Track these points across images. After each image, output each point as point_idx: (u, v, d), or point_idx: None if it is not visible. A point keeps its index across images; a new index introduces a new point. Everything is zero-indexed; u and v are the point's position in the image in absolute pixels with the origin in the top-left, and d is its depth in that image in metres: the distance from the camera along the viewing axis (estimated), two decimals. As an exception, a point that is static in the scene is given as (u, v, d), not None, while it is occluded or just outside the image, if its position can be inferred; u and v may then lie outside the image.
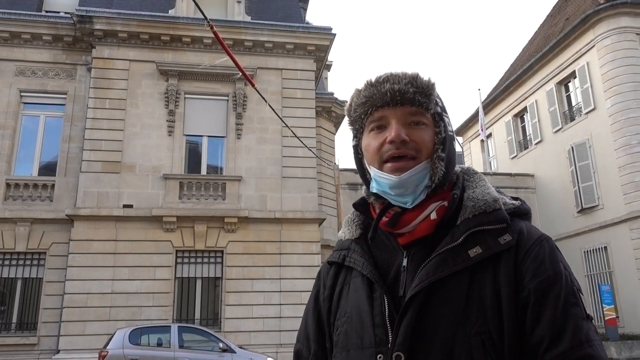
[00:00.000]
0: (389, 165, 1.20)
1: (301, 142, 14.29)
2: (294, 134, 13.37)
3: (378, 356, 1.13)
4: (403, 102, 1.21)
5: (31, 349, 14.57)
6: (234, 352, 11.20)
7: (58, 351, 14.26)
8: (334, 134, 21.24)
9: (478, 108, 26.17)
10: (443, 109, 1.27)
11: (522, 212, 1.25)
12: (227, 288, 15.38)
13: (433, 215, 1.21)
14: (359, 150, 1.30)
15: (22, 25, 16.65)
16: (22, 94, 16.67)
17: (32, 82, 16.75)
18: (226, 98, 17.10)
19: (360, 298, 1.21)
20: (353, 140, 1.32)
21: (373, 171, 1.24)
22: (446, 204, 1.23)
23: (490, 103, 27.46)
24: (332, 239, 18.40)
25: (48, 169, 16.49)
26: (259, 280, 15.49)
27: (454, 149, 1.29)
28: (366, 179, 1.29)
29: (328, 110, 20.52)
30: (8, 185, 15.70)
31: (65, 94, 16.87)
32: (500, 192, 1.29)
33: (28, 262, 15.42)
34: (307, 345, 1.34)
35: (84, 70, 17.05)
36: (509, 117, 26.48)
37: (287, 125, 13.23)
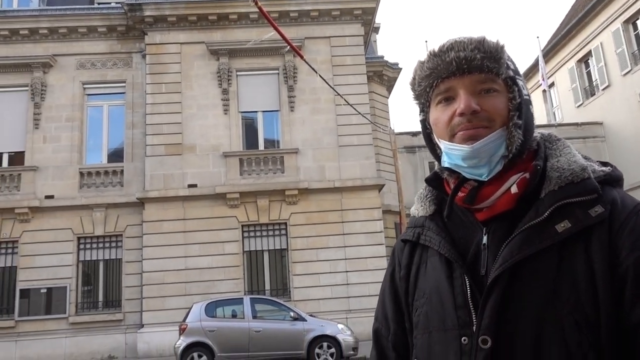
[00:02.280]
0: (460, 134, 1.13)
1: (354, 109, 14.19)
2: (346, 102, 13.28)
3: (462, 339, 1.08)
4: (470, 70, 1.13)
5: (118, 324, 15.63)
6: (305, 320, 11.55)
7: (142, 325, 15.23)
8: (387, 98, 20.93)
9: (538, 57, 24.90)
10: (516, 72, 1.18)
11: (613, 180, 1.14)
12: (294, 259, 15.77)
13: (514, 189, 1.13)
14: (426, 125, 1.23)
15: (77, 19, 17.29)
16: (85, 86, 17.44)
17: (92, 74, 17.46)
18: (277, 72, 17.17)
19: (439, 278, 1.16)
20: (420, 114, 1.25)
21: (443, 144, 1.17)
22: (528, 175, 1.14)
23: (550, 50, 26.07)
24: (393, 204, 18.36)
25: (116, 155, 17.31)
26: (324, 249, 15.76)
27: (532, 114, 1.19)
28: (436, 154, 1.23)
29: (379, 74, 20.19)
30: (82, 174, 16.63)
31: (124, 82, 17.50)
32: (588, 158, 1.19)
33: (107, 245, 16.41)
34: (385, 325, 1.31)
35: (139, 58, 17.57)
36: (572, 63, 25.07)
37: (339, 94, 13.15)
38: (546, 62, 25.23)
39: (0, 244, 16.13)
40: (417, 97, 1.23)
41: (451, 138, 1.15)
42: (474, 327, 1.07)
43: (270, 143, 17.18)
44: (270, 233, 16.18)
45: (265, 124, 17.22)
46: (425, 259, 1.22)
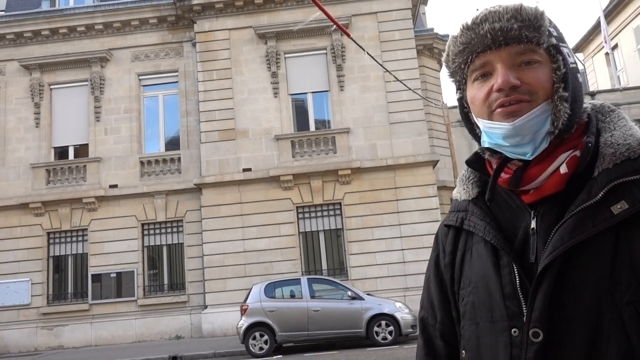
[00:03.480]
0: (499, 111, 1.04)
1: (405, 85, 13.93)
2: (396, 78, 13.04)
3: (512, 331, 1.02)
4: (507, 41, 1.04)
5: (183, 306, 16.30)
6: (362, 299, 11.61)
7: (206, 307, 15.80)
8: (439, 71, 20.40)
9: (599, 18, 23.52)
10: (559, 38, 1.08)
11: None
12: (349, 238, 15.83)
13: (563, 168, 1.05)
14: (464, 104, 1.15)
15: (130, 12, 17.79)
16: (140, 77, 18.00)
17: (147, 65, 17.98)
18: (325, 51, 17.07)
19: (485, 266, 1.08)
20: (456, 93, 1.18)
21: (482, 123, 1.09)
22: (578, 153, 1.05)
23: (612, 10, 24.53)
24: (448, 180, 18.02)
25: (173, 143, 17.84)
26: (379, 228, 15.72)
27: (580, 85, 1.09)
28: (476, 134, 1.15)
29: (429, 47, 19.69)
30: (142, 162, 17.28)
31: (177, 71, 17.93)
32: None
33: (169, 230, 17.05)
34: (432, 313, 1.25)
35: (189, 46, 17.93)
36: (637, 22, 23.49)
37: (388, 71, 12.92)
38: (608, 23, 23.81)
39: (71, 232, 17.08)
40: (452, 74, 1.16)
41: (490, 116, 1.06)
42: (525, 319, 1.01)
43: (321, 124, 17.18)
44: (325, 213, 16.29)
45: (315, 105, 17.22)
46: (470, 246, 1.15)
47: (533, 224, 1.06)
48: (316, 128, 16.96)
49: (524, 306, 1.01)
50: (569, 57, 1.08)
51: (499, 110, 1.04)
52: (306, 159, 16.31)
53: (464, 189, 1.21)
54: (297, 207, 16.16)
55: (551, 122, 1.04)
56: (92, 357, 13.02)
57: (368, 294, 12.39)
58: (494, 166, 1.12)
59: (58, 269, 17.14)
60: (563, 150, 1.06)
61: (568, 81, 1.05)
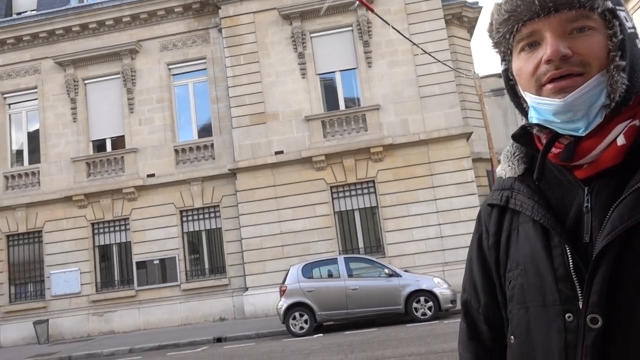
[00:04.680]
0: (549, 87, 0.96)
1: (434, 57, 13.64)
2: (424, 51, 12.79)
3: (566, 316, 0.95)
4: (557, 7, 0.95)
5: (224, 289, 16.68)
6: (400, 276, 11.60)
7: (247, 289, 16.13)
8: (469, 40, 19.86)
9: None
10: (616, 1, 0.98)
11: None
12: (384, 215, 15.79)
13: (620, 140, 0.97)
14: (509, 76, 1.08)
15: (155, 3, 17.95)
16: (169, 66, 18.22)
17: (175, 54, 18.18)
18: (350, 28, 16.85)
19: (535, 247, 1.01)
20: (501, 64, 1.10)
21: (530, 98, 1.01)
22: (638, 122, 0.98)
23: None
24: (483, 152, 17.67)
25: (205, 130, 18.08)
26: (414, 203, 15.61)
27: (639, 51, 1.00)
28: (522, 109, 1.07)
29: (459, 16, 19.14)
30: (176, 151, 17.60)
31: (205, 58, 18.06)
32: None
33: (207, 216, 17.38)
34: (475, 296, 1.19)
35: (215, 33, 17.99)
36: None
37: (415, 44, 12.67)
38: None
39: (114, 222, 17.64)
40: (496, 45, 1.08)
41: (538, 90, 0.98)
42: (580, 304, 0.94)
43: (351, 102, 17.06)
44: (359, 192, 16.26)
45: (344, 83, 17.08)
46: (517, 225, 1.08)
47: (587, 202, 0.98)
48: (346, 106, 16.85)
49: (578, 290, 0.94)
50: (627, 21, 0.99)
51: (548, 85, 0.97)
52: (337, 138, 16.26)
53: (509, 166, 1.13)
54: (330, 187, 16.18)
55: (607, 95, 0.96)
56: (142, 341, 13.53)
57: (405, 271, 12.38)
58: (543, 141, 1.05)
59: (104, 258, 17.77)
60: (620, 120, 0.98)
61: (625, 49, 0.96)
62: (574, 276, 0.95)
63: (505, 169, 1.14)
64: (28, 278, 17.93)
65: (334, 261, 12.32)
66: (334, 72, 17.04)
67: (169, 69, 18.22)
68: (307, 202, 16.04)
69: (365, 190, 16.23)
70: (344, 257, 12.44)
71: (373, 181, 16.08)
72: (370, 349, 8.63)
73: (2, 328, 17.47)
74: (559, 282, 0.97)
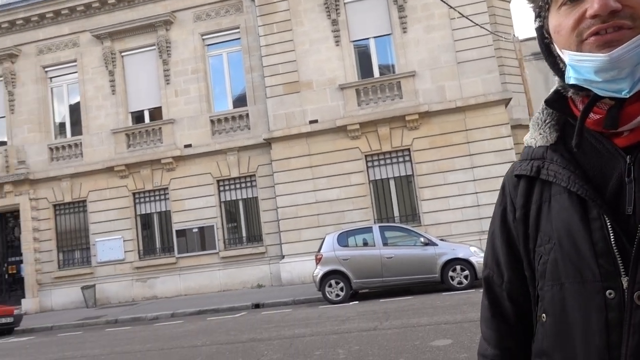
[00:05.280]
0: (592, 40, 0.87)
1: (471, 21, 13.21)
2: (461, 14, 12.40)
3: (607, 292, 0.89)
4: None
5: (262, 257, 17.02)
6: (436, 245, 11.58)
7: (283, 257, 16.41)
8: (509, 2, 19.09)
9: None
10: None
11: None
12: (420, 184, 15.67)
13: None
14: (544, 34, 0.99)
15: (188, -28, 17.91)
16: (203, 37, 18.26)
17: (208, 24, 18.18)
18: (385, -7, 16.43)
19: (571, 220, 0.95)
20: (535, 21, 1.02)
21: (568, 56, 0.92)
22: None
23: None
24: (522, 118, 17.18)
25: (240, 100, 18.17)
26: (451, 172, 15.41)
27: None
28: (558, 69, 0.99)
29: (498, -24, 18.37)
30: (212, 121, 17.79)
31: (238, 27, 18.00)
32: None
33: (243, 185, 17.64)
34: (498, 272, 1.13)
35: (248, 1, 17.86)
36: None
37: (452, 7, 12.28)
38: None
39: (154, 192, 18.12)
40: None
41: (579, 46, 0.89)
42: (623, 279, 0.88)
43: (386, 69, 16.78)
44: (394, 160, 16.15)
45: (379, 50, 16.78)
46: (548, 197, 1.01)
47: (629, 172, 0.92)
48: (380, 74, 16.60)
49: (620, 265, 0.89)
50: None
51: (591, 39, 0.88)
52: (372, 106, 16.09)
53: (540, 134, 1.05)
54: (365, 156, 16.12)
55: None
56: (183, 306, 14.03)
57: (441, 240, 12.33)
58: (580, 106, 0.97)
59: (145, 226, 18.34)
60: None
61: None
62: (615, 250, 0.89)
63: (535, 137, 1.06)
64: (75, 245, 18.71)
65: (369, 230, 12.37)
66: (368, 38, 16.75)
67: (203, 40, 18.27)
68: (341, 171, 16.05)
69: (401, 159, 16.10)
70: (379, 226, 12.46)
71: (408, 149, 15.92)
72: (406, 316, 8.71)
73: (52, 293, 18.40)
74: (599, 257, 0.91)
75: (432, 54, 15.85)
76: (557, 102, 1.02)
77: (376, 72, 16.63)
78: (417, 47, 15.98)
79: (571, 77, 0.93)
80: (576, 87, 0.94)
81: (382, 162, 16.21)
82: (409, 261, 11.49)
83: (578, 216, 0.94)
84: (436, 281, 11.39)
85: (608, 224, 0.90)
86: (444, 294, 10.89)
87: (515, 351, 1.12)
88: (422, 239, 11.74)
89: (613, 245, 0.89)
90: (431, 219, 15.32)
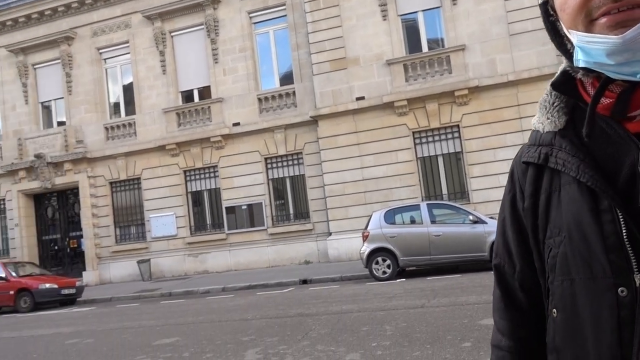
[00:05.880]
0: (603, 20, 0.80)
1: (526, -9, 12.64)
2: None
3: (619, 290, 0.84)
4: None
5: (309, 233, 17.21)
6: (485, 223, 11.36)
7: (330, 233, 16.53)
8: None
9: None
10: None
11: None
12: (469, 161, 15.35)
13: None
14: (549, 10, 0.92)
15: (235, -50, 17.89)
16: (250, 15, 18.32)
17: (255, 2, 18.21)
18: (434, -36, 15.94)
19: (580, 212, 0.89)
20: None
21: (576, 37, 0.85)
22: None
23: None
24: (579, 91, 16.42)
25: (287, 78, 18.22)
26: (502, 148, 15.00)
27: None
28: (566, 50, 0.91)
29: (555, -59, 17.45)
30: (259, 99, 17.95)
31: (284, 4, 17.94)
32: None
33: (290, 162, 17.79)
34: (509, 262, 1.08)
35: (294, -23, 17.73)
36: None
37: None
38: None
39: (204, 170, 18.55)
40: None
41: (588, 26, 0.82)
42: (636, 277, 0.83)
43: (434, 43, 16.38)
44: (443, 137, 15.85)
45: (427, 24, 16.37)
46: (558, 186, 0.95)
47: None
48: (429, 48, 16.22)
49: (633, 261, 0.83)
50: None
51: (602, 19, 0.80)
52: (420, 82, 15.79)
53: (548, 118, 0.97)
54: (413, 133, 15.89)
55: None
56: (233, 281, 14.43)
57: (491, 218, 12.08)
58: (590, 89, 0.90)
59: (196, 203, 18.86)
60: None
61: None
62: (627, 245, 0.84)
63: (542, 122, 0.98)
64: (130, 221, 19.49)
65: (416, 207, 12.27)
66: (416, 12, 16.35)
67: (250, 17, 18.34)
68: (388, 148, 15.91)
69: (449, 135, 15.78)
70: (427, 204, 12.34)
71: (457, 126, 15.58)
72: (454, 294, 8.65)
73: (111, 266, 19.30)
74: (610, 252, 0.86)
75: (483, 27, 15.33)
76: (564, 84, 0.95)
77: (424, 47, 16.25)
78: (468, 20, 15.48)
79: (580, 60, 0.86)
80: (586, 69, 0.87)
81: (430, 138, 15.95)
82: (457, 239, 11.35)
83: (588, 208, 0.88)
84: (485, 260, 11.20)
85: (620, 216, 0.85)
86: (492, 272, 10.71)
87: (529, 341, 1.07)
88: (470, 217, 11.54)
89: (625, 239, 0.84)
90: (480, 197, 15.02)
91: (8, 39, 20.91)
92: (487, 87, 15.12)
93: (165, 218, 18.65)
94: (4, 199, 20.81)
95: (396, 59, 15.93)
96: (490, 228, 11.22)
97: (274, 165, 17.92)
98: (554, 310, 0.97)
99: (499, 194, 14.78)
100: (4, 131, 21.07)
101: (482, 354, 4.98)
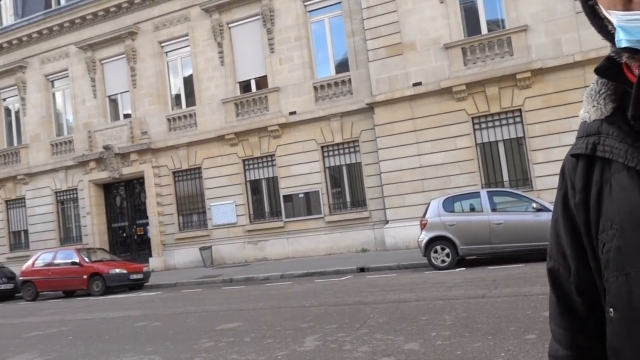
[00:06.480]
0: None
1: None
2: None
3: None
4: None
5: (365, 221, 17.19)
6: (550, 211, 10.91)
7: (387, 222, 16.44)
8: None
9: None
10: None
11: None
12: (532, 146, 14.79)
13: None
14: None
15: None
16: (305, 3, 18.34)
17: (310, -10, 18.20)
18: (494, -58, 15.34)
19: (632, 200, 0.85)
20: None
21: (615, 17, 0.81)
22: None
23: None
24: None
25: (342, 65, 18.16)
26: (567, 133, 14.34)
27: None
28: (607, 32, 0.87)
29: None
30: (315, 88, 18.00)
31: (339, -9, 17.83)
32: None
33: (347, 150, 17.78)
34: (564, 264, 1.02)
35: (349, -37, 17.57)
36: None
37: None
38: None
39: (262, 159, 18.87)
40: None
41: (627, 4, 0.79)
42: None
43: (494, 24, 15.82)
44: (504, 122, 15.35)
45: (486, 4, 15.82)
46: (609, 177, 0.90)
47: None
48: (489, 30, 15.68)
49: None
50: None
51: None
52: (479, 65, 15.31)
53: (594, 106, 0.93)
54: (472, 118, 15.48)
55: None
56: (291, 268, 14.66)
57: (556, 205, 11.62)
58: (636, 72, 0.85)
59: (255, 192, 19.24)
60: None
61: None
62: None
63: (589, 111, 0.94)
64: (193, 209, 20.15)
65: (476, 195, 11.97)
66: (475, -7, 15.83)
67: (305, 6, 18.36)
68: (447, 134, 15.58)
69: (511, 120, 15.26)
70: (487, 191, 12.00)
71: (519, 110, 15.03)
72: (516, 284, 8.41)
73: (175, 252, 20.07)
74: None
75: (547, 5, 14.64)
76: (610, 69, 0.89)
77: (484, 29, 15.74)
78: (530, -1, 14.83)
79: (622, 40, 0.80)
80: (630, 50, 0.81)
81: (490, 124, 15.48)
82: (520, 228, 11.00)
83: (639, 194, 0.83)
84: (550, 249, 10.81)
85: None
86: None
87: (589, 350, 1.00)
88: (534, 205, 11.13)
89: None
90: (544, 184, 14.46)
91: (77, 36, 21.98)
92: (551, 68, 14.48)
93: (225, 206, 19.15)
94: (76, 189, 22.03)
95: (454, 43, 15.51)
96: (555, 216, 10.79)
97: (331, 153, 17.97)
98: (611, 309, 0.91)
99: (565, 180, 14.19)
100: (75, 124, 22.24)
101: (546, 346, 4.81)
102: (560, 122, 14.43)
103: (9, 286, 17.21)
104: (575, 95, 14.31)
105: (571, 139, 13.14)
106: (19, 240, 23.79)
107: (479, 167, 15.41)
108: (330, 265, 14.11)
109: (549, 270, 1.06)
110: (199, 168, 19.79)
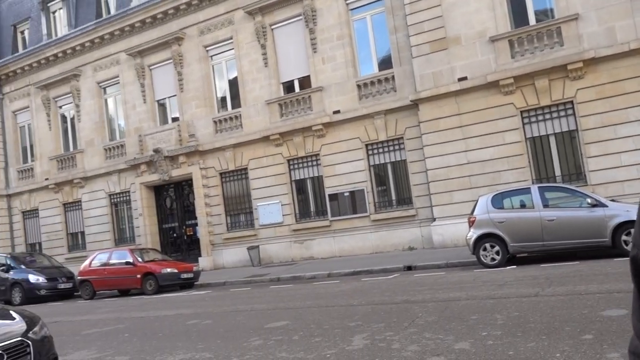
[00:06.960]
0: None
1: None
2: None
3: None
4: None
5: (412, 219, 16.99)
6: (606, 206, 10.48)
7: (434, 219, 16.20)
8: None
9: None
10: None
11: None
12: (586, 139, 14.24)
13: None
14: None
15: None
16: (347, 2, 18.29)
17: (351, -12, 18.13)
18: None
19: None
20: None
21: None
22: None
23: None
24: None
25: (385, 62, 18.02)
26: (623, 124, 13.74)
27: None
28: None
29: None
30: (358, 86, 17.94)
31: (381, -12, 17.70)
32: None
33: (391, 148, 17.64)
34: None
35: (390, -41, 17.40)
36: None
37: None
38: None
39: (306, 158, 18.97)
40: None
41: None
42: None
43: (543, 14, 15.31)
44: (555, 115, 14.84)
45: (534, -6, 15.32)
46: None
47: None
48: (537, 20, 15.20)
49: None
50: None
51: None
52: (527, 57, 14.86)
53: None
54: (521, 112, 15.04)
55: None
56: (338, 267, 14.67)
57: (612, 200, 11.15)
58: None
59: (300, 191, 19.37)
60: None
61: None
62: None
63: None
64: (240, 210, 20.48)
65: (526, 191, 11.60)
66: (522, -17, 15.36)
67: (347, 4, 18.33)
68: (494, 129, 15.21)
69: (562, 113, 14.73)
70: (538, 187, 11.60)
71: (571, 102, 14.49)
72: (571, 283, 8.10)
73: (223, 252, 20.46)
74: None
75: (600, -8, 14.05)
76: None
77: (532, 19, 15.26)
78: (581, -14, 14.27)
79: None
80: None
81: (540, 117, 15.00)
82: (574, 224, 10.59)
83: None
84: (606, 246, 10.38)
85: None
86: (615, 259, 9.89)
87: None
88: (589, 200, 10.69)
89: None
90: (599, 178, 13.90)
91: (127, 43, 22.74)
92: (605, 58, 13.89)
93: (272, 206, 19.36)
94: (128, 191, 22.81)
95: (500, 35, 15.12)
96: (612, 211, 10.36)
97: (375, 151, 17.87)
98: None
99: (622, 174, 13.62)
100: (127, 129, 23.02)
101: (605, 347, 4.64)
102: (615, 113, 13.82)
103: (68, 285, 18.03)
104: (631, 85, 13.69)
105: (628, 130, 12.69)
106: (76, 241, 24.87)
107: (529, 162, 14.96)
108: (377, 264, 14.03)
109: (631, 258, 0.96)
110: (245, 169, 20.09)
